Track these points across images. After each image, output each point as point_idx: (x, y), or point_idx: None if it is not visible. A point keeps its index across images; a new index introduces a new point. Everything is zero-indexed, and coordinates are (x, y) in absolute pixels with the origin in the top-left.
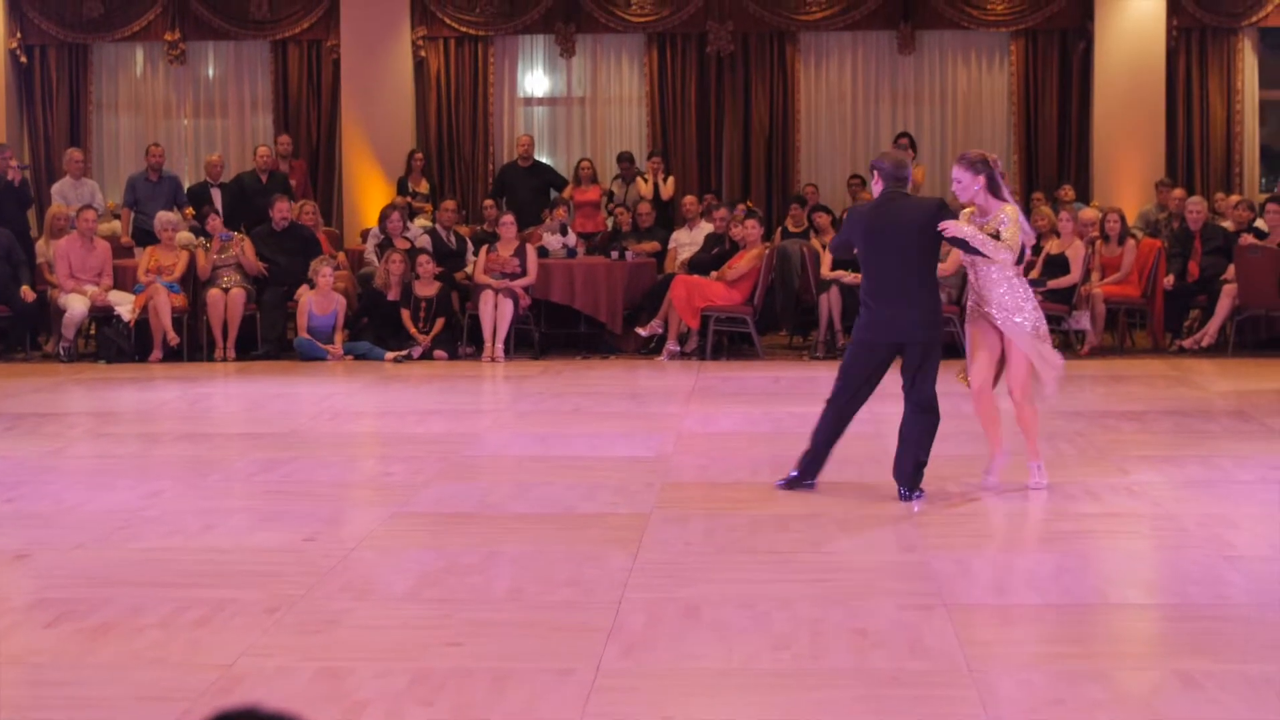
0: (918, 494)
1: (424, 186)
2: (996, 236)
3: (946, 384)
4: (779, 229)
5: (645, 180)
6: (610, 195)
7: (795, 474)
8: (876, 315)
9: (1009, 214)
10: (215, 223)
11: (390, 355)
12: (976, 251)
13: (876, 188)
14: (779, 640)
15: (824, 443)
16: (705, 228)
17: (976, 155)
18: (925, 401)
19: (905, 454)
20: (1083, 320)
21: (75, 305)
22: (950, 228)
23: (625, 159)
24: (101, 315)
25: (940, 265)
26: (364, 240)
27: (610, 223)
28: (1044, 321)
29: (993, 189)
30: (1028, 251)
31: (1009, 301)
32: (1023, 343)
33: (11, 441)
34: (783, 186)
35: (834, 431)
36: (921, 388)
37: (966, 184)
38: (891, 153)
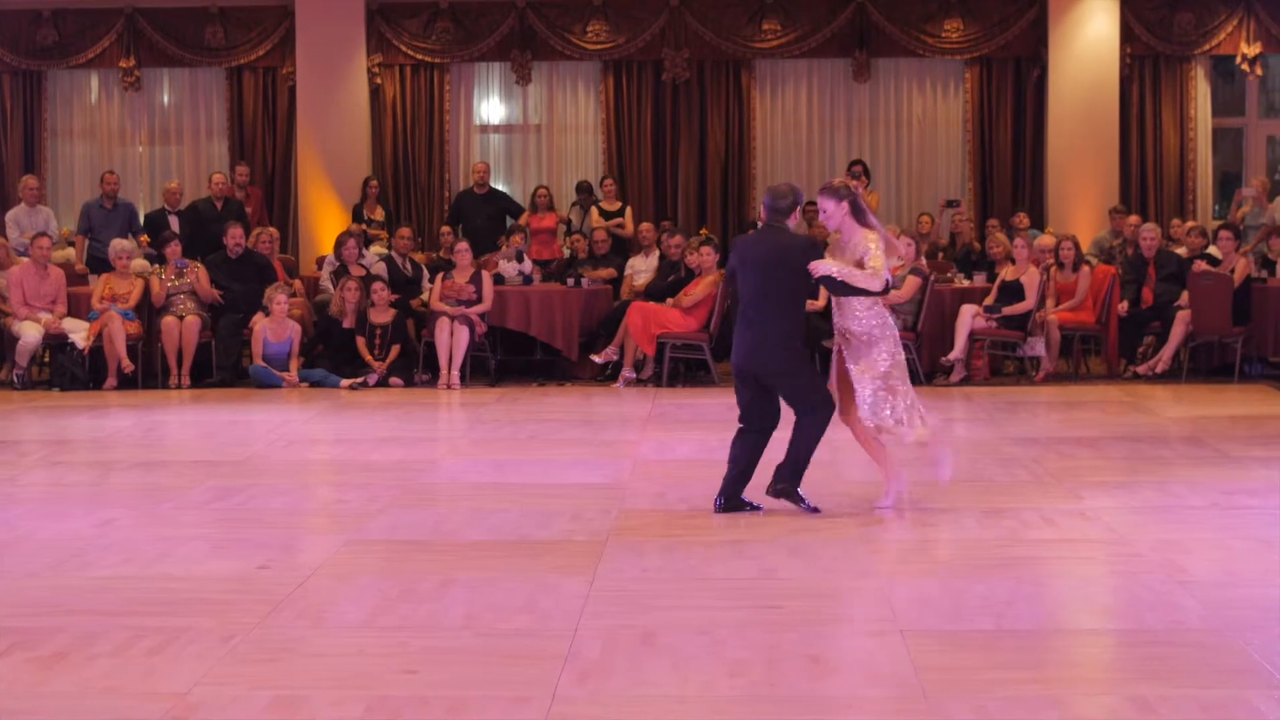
0: (805, 503)
1: (379, 213)
2: (860, 265)
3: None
4: None
5: (601, 206)
6: (568, 224)
7: (720, 500)
8: (738, 341)
9: (872, 240)
10: (175, 249)
11: (346, 382)
12: (849, 290)
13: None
14: (734, 667)
15: (745, 468)
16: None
17: (839, 183)
18: (806, 412)
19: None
20: (1038, 347)
21: (29, 333)
22: (819, 267)
23: (584, 189)
24: (56, 343)
25: (897, 293)
26: (319, 267)
27: (567, 250)
28: (901, 367)
29: (856, 215)
30: (891, 280)
31: (865, 337)
32: (862, 387)
33: None
34: (739, 213)
35: (751, 460)
36: (795, 407)
37: (831, 212)
38: (776, 186)
